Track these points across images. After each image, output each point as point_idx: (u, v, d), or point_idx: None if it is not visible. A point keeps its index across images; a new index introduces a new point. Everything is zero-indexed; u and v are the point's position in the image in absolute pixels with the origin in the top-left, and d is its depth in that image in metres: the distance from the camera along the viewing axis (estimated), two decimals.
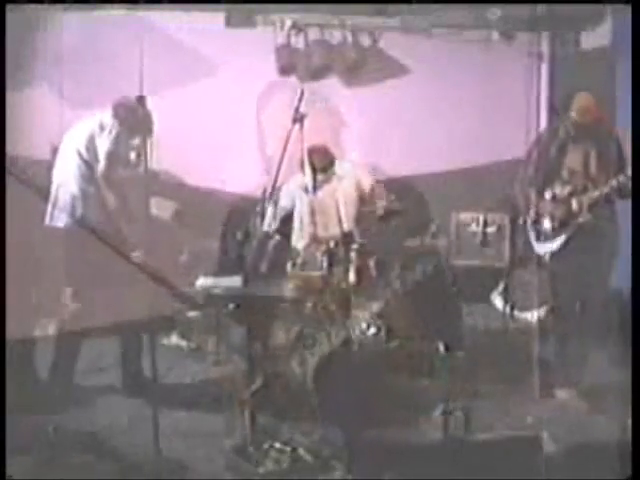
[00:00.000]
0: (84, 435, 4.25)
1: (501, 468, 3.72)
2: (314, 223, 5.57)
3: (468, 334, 5.37)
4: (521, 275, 5.87)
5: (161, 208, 5.73)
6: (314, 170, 5.58)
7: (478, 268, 6.14)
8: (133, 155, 5.09)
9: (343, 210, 5.67)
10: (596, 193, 4.76)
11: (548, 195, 4.89)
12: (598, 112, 4.90)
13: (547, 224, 4.89)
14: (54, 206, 4.91)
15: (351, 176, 5.74)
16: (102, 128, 4.92)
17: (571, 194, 4.83)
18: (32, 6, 5.19)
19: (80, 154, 4.92)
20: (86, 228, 4.72)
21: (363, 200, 5.67)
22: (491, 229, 6.01)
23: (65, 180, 4.96)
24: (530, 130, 6.47)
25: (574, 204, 4.82)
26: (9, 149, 4.04)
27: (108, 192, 4.87)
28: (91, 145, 4.90)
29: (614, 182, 4.70)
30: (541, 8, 5.70)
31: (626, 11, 4.15)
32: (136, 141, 4.94)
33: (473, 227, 6.07)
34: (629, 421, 3.46)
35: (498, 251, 6.11)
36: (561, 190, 4.87)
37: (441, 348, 4.36)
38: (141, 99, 4.28)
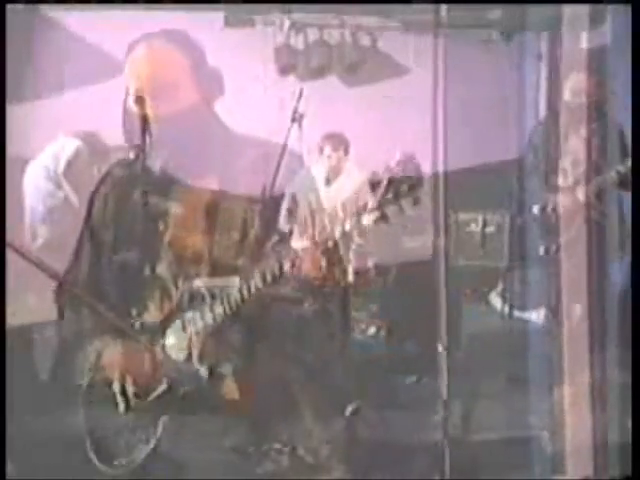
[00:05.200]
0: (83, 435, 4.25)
1: (501, 468, 3.72)
2: (314, 222, 5.56)
3: (467, 334, 5.38)
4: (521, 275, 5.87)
5: (160, 208, 5.74)
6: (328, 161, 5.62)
7: (478, 268, 6.14)
8: (131, 155, 5.21)
9: (346, 208, 5.66)
10: (600, 179, 4.39)
11: (551, 186, 4.52)
12: (595, 93, 4.61)
13: (552, 217, 4.54)
14: (33, 235, 5.14)
15: (354, 174, 5.75)
16: (64, 146, 5.29)
17: (576, 184, 4.49)
18: (32, 6, 5.23)
19: (44, 169, 5.26)
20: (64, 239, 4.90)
21: (362, 200, 5.66)
22: (491, 229, 6.00)
23: (35, 204, 5.25)
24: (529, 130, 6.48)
25: (580, 194, 4.50)
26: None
27: (71, 190, 5.16)
28: (54, 161, 5.25)
29: (613, 173, 4.34)
30: (541, 8, 5.70)
31: (626, 11, 4.15)
32: (95, 160, 5.23)
33: (473, 227, 6.06)
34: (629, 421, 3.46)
35: (498, 251, 6.10)
36: (564, 180, 4.54)
37: (440, 348, 4.36)
38: (140, 99, 4.28)
